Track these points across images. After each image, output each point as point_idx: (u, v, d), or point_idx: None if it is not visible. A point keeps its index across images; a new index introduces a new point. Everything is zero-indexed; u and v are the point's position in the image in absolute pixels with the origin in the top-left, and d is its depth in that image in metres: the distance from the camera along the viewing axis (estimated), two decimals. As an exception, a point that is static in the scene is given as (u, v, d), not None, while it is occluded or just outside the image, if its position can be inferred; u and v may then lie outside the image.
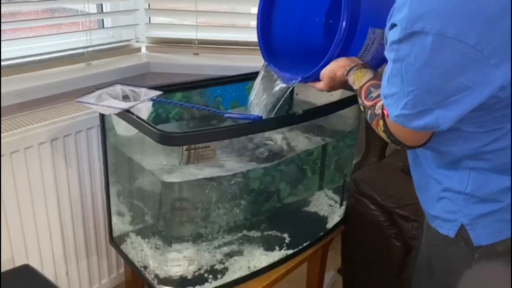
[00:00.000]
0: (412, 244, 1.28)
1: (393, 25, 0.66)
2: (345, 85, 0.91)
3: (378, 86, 0.79)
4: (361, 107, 0.84)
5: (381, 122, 0.76)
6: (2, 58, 1.22)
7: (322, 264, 1.43)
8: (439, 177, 0.81)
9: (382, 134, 0.78)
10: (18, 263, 1.17)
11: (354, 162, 1.91)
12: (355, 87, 0.86)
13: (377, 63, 0.97)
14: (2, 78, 1.19)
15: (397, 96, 0.68)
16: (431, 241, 0.87)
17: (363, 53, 0.94)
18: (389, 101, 0.71)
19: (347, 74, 0.88)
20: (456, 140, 0.74)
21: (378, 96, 0.78)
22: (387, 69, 0.70)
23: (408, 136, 0.74)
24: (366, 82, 0.83)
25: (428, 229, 0.87)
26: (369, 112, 0.80)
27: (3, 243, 1.15)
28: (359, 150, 1.98)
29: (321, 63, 0.91)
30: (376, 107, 0.78)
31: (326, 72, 0.92)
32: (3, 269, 1.14)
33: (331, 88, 0.94)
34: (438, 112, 0.66)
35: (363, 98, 0.83)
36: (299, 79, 0.97)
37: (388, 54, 0.68)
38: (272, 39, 1.12)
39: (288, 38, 1.14)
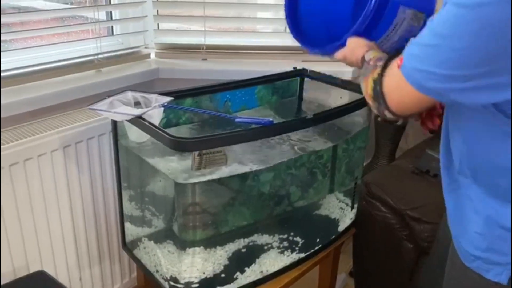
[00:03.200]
0: (424, 247, 1.28)
1: None
2: (358, 63, 0.83)
3: (389, 61, 0.71)
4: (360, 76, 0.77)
5: (375, 74, 0.68)
6: (13, 67, 1.24)
7: (334, 267, 1.42)
8: (489, 210, 0.68)
9: (368, 89, 0.70)
10: (33, 269, 1.18)
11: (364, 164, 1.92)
12: (366, 58, 0.78)
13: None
14: (13, 87, 1.20)
15: (437, 49, 0.57)
16: (465, 283, 0.75)
17: (391, 32, 0.89)
18: (420, 50, 0.61)
19: (366, 52, 0.80)
20: None
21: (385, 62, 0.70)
22: (439, 15, 0.58)
23: (403, 99, 0.66)
24: (380, 56, 0.75)
25: (461, 270, 0.74)
26: (364, 66, 0.73)
27: (17, 250, 1.16)
28: (369, 152, 1.98)
29: (348, 33, 0.88)
30: (376, 60, 0.71)
31: (349, 44, 0.86)
32: (18, 275, 1.15)
33: (345, 59, 0.89)
34: (481, 84, 0.56)
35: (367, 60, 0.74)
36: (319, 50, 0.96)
37: None
38: (299, 14, 1.10)
39: (314, 11, 1.12)
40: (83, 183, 1.26)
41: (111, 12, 1.51)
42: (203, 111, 1.13)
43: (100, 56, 1.42)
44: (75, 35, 1.44)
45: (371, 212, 1.34)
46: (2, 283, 1.11)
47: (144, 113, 0.96)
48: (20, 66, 1.25)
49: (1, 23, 1.24)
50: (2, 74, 1.21)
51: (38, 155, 1.14)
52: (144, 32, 1.56)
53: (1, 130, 1.15)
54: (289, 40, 1.74)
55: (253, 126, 0.95)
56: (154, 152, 1.08)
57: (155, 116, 0.99)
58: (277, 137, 1.22)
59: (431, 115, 1.73)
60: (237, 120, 0.96)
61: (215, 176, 0.98)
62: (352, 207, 1.36)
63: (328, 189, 1.36)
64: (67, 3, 1.44)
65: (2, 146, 1.08)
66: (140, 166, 1.12)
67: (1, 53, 1.23)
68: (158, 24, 1.59)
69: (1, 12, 1.24)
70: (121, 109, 0.99)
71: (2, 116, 1.14)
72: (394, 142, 1.86)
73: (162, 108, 1.02)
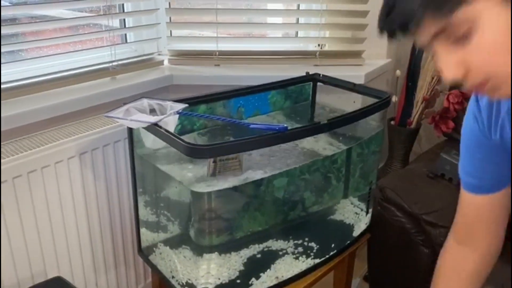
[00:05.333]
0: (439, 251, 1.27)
1: None
2: None
3: None
4: None
5: None
6: (28, 76, 1.26)
7: (349, 272, 1.42)
8: None
9: None
10: (50, 275, 1.20)
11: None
12: None
13: None
14: (29, 95, 1.23)
15: None
16: None
17: None
18: None
19: None
20: None
21: None
22: None
23: None
24: None
25: None
26: None
27: (35, 256, 1.17)
28: (383, 156, 1.97)
29: None
30: None
31: None
32: (36, 281, 1.17)
33: None
34: None
35: None
36: None
37: None
38: None
39: None
40: (99, 189, 1.28)
41: (124, 20, 1.53)
42: (217, 117, 1.14)
43: (114, 63, 1.44)
44: (90, 43, 1.46)
45: (386, 217, 1.33)
46: (20, 289, 1.13)
47: (159, 120, 0.97)
48: (37, 75, 1.27)
49: (17, 33, 1.26)
50: (19, 83, 1.23)
51: (55, 162, 1.15)
52: (158, 39, 1.58)
53: (19, 138, 1.17)
54: (301, 45, 1.75)
55: (268, 132, 0.95)
56: (169, 159, 1.09)
57: (170, 123, 1.00)
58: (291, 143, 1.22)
59: (445, 118, 1.72)
60: (251, 126, 0.97)
61: (230, 183, 0.99)
62: (367, 212, 1.36)
63: (342, 194, 1.36)
64: (81, 11, 1.46)
65: (19, 154, 1.09)
66: (155, 173, 1.13)
67: (18, 62, 1.26)
68: (171, 31, 1.61)
69: (17, 22, 1.27)
70: (137, 117, 1.00)
71: (19, 124, 1.16)
72: (407, 146, 1.85)
73: (177, 115, 1.03)
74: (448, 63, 0.57)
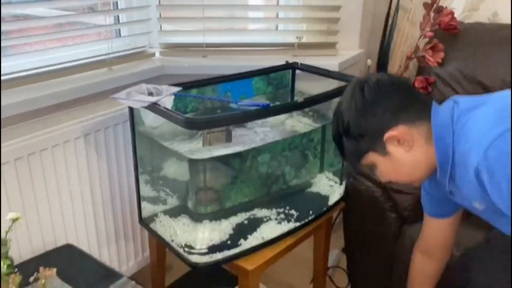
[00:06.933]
0: (406, 216, 1.45)
1: None
2: None
3: None
4: None
5: None
6: (37, 66, 1.39)
7: (326, 240, 1.58)
8: None
9: None
10: (59, 244, 1.34)
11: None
12: None
13: None
14: (40, 83, 1.36)
15: None
16: None
17: None
18: None
19: None
20: None
21: None
22: None
23: None
24: None
25: None
26: None
27: (47, 226, 1.31)
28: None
29: None
30: None
31: None
32: (46, 249, 1.31)
33: None
34: None
35: None
36: None
37: None
38: None
39: None
40: (101, 167, 1.42)
41: (118, 16, 1.67)
42: (209, 97, 1.30)
43: (111, 55, 1.58)
44: (87, 38, 1.60)
45: (358, 187, 1.51)
46: (34, 255, 1.26)
47: (158, 99, 1.12)
48: (43, 65, 1.41)
49: (24, 28, 1.40)
50: (28, 73, 1.36)
51: (64, 142, 1.30)
52: (149, 33, 1.72)
53: (32, 120, 1.31)
54: (281, 37, 1.91)
55: (253, 108, 1.11)
56: (166, 136, 1.24)
57: (168, 102, 1.15)
58: (273, 124, 1.38)
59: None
60: (239, 103, 1.13)
61: (221, 152, 1.15)
62: (341, 183, 1.53)
63: (318, 169, 1.53)
64: (67, 10, 1.59)
65: (33, 134, 1.24)
66: (155, 148, 1.28)
67: (26, 54, 1.39)
68: (161, 26, 1.76)
69: (23, 18, 1.40)
70: (138, 98, 1.15)
71: (32, 108, 1.30)
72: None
73: (173, 96, 1.18)
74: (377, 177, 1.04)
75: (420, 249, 1.24)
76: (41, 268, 0.92)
